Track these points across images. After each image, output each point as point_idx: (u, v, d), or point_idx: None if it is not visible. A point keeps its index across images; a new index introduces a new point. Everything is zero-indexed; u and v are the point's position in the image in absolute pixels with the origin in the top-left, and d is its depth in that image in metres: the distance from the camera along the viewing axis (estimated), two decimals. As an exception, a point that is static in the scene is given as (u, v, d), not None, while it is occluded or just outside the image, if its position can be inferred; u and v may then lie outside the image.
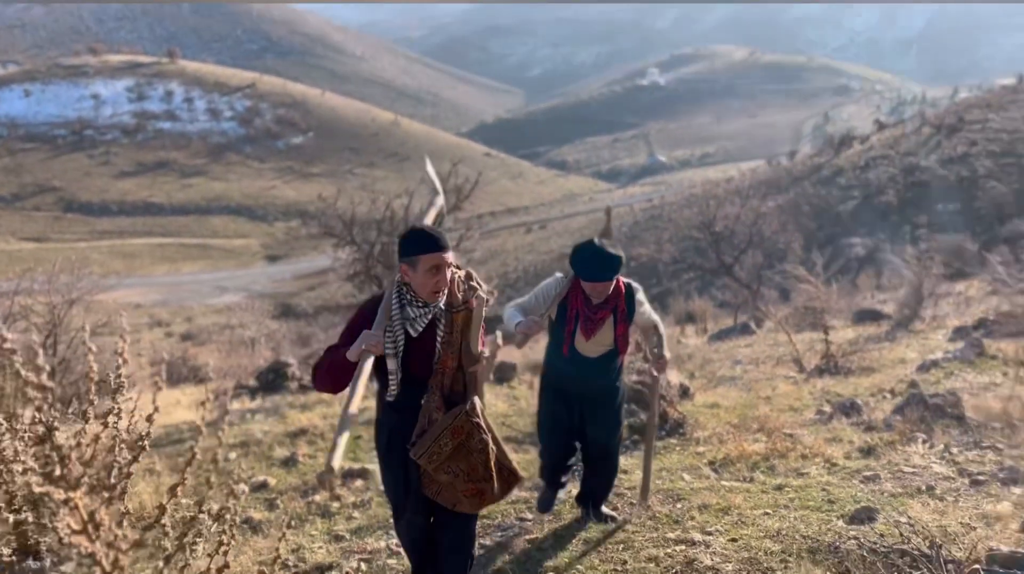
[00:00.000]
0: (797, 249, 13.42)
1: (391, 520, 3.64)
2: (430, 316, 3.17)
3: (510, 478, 3.28)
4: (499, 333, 3.92)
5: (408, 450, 3.15)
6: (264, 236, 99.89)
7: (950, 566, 2.78)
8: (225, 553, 2.83)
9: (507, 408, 7.49)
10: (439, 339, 3.18)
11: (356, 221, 9.47)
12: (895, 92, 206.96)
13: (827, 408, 6.75)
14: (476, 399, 3.22)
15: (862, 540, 3.48)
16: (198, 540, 4.31)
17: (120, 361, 2.24)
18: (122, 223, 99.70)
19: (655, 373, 4.38)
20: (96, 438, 2.12)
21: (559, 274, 4.25)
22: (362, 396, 2.96)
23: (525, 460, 5.79)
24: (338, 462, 2.56)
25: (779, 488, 4.56)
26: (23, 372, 1.85)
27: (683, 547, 3.74)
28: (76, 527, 1.90)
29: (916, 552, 2.89)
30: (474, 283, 3.29)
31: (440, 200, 3.90)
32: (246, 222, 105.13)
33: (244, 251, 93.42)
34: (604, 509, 4.46)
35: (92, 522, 1.96)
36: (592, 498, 4.45)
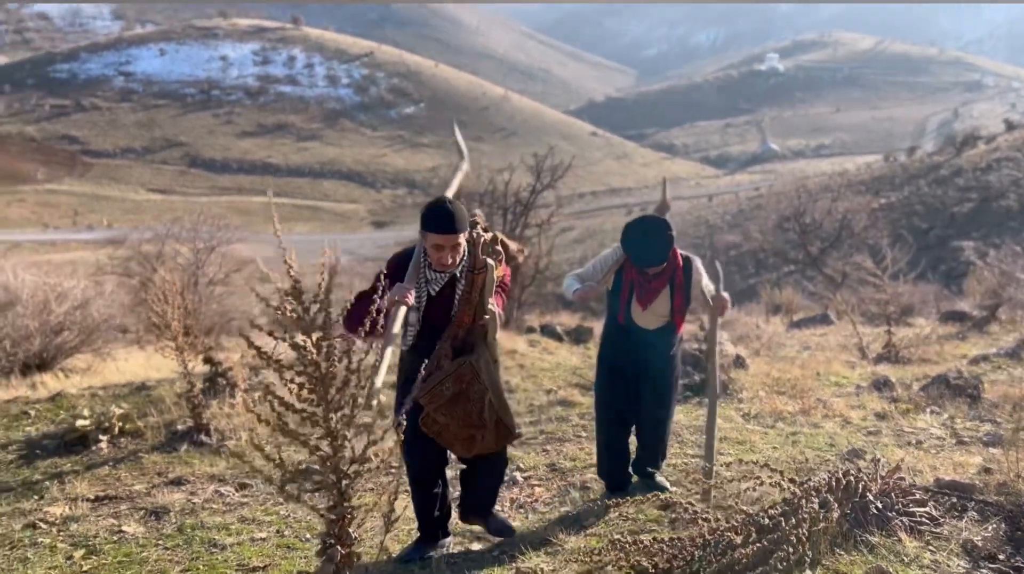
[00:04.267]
0: (886, 246, 13.82)
1: None
2: (446, 278, 3.52)
3: (505, 432, 3.63)
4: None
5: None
6: (372, 202, 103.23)
7: (880, 478, 3.72)
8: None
9: (580, 363, 8.60)
10: (457, 297, 3.53)
11: (461, 194, 10.64)
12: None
13: (865, 385, 7.57)
14: (485, 354, 3.56)
15: (836, 467, 4.44)
16: None
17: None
18: (241, 181, 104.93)
19: (717, 313, 4.30)
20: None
21: (616, 245, 4.40)
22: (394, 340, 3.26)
23: (589, 402, 6.89)
24: (375, 402, 2.91)
25: (793, 434, 5.53)
26: (281, 284, 3.02)
27: (697, 460, 4.78)
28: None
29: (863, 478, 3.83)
30: (497, 247, 3.64)
31: (465, 165, 4.31)
32: (356, 187, 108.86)
33: (352, 215, 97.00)
34: (659, 478, 4.49)
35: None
36: (644, 467, 4.49)
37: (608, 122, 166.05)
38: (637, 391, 4.33)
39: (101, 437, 5.79)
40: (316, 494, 2.89)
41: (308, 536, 3.96)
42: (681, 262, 4.25)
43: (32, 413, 6.51)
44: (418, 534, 3.76)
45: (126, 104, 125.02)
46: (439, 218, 3.41)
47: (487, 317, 3.54)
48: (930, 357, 9.87)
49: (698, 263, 4.35)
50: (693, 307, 4.53)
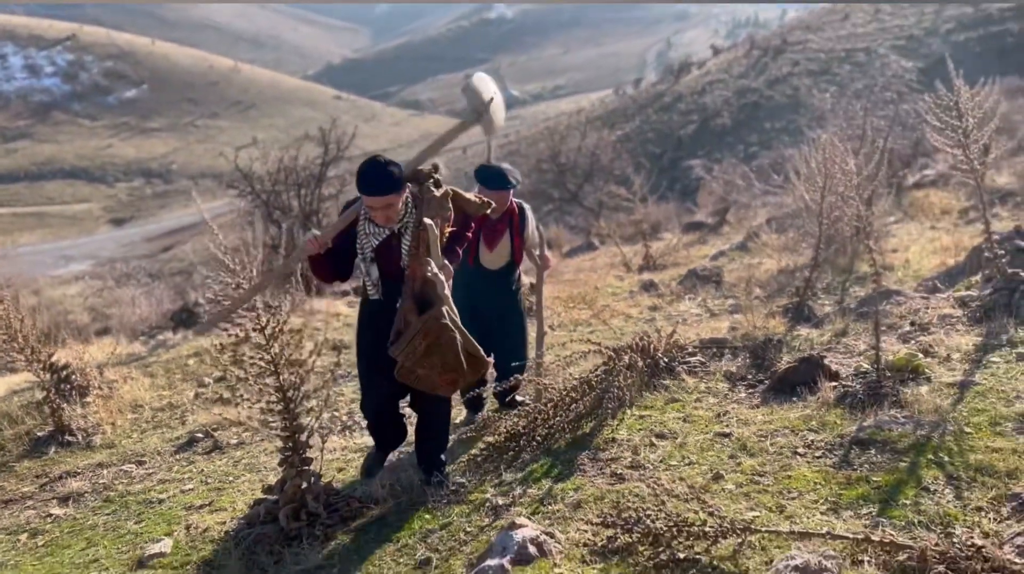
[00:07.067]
0: (632, 174, 15.88)
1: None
2: (386, 234, 3.62)
3: (478, 363, 3.76)
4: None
5: (387, 345, 3.59)
6: (105, 199, 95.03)
7: (663, 342, 5.06)
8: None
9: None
10: (405, 250, 3.63)
11: (252, 174, 10.98)
12: (730, 15, 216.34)
13: (636, 289, 9.16)
14: (445, 298, 3.63)
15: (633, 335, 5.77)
16: (187, 415, 6.22)
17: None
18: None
19: (543, 270, 5.40)
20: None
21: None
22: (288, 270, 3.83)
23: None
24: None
25: (591, 333, 6.85)
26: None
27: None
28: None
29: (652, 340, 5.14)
30: (447, 203, 3.71)
31: (482, 122, 4.01)
32: (84, 185, 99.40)
33: (86, 216, 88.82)
34: (517, 397, 5.05)
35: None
36: (506, 394, 4.98)
37: (350, 84, 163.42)
38: (491, 324, 4.88)
39: (-38, 457, 5.88)
40: (271, 420, 3.62)
41: (231, 478, 4.62)
42: (516, 208, 4.96)
43: None
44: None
45: None
46: (366, 180, 3.49)
47: (428, 274, 3.59)
48: (680, 261, 11.78)
49: (529, 211, 5.08)
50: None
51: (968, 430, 3.53)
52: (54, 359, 6.73)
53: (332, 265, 3.73)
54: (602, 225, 15.83)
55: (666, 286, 8.99)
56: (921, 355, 4.50)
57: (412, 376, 3.59)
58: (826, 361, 4.56)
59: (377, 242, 3.64)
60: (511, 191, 4.80)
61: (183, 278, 32.38)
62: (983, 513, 2.89)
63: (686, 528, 2.80)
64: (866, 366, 4.48)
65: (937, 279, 6.62)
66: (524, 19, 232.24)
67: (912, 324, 5.30)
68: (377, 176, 3.47)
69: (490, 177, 4.76)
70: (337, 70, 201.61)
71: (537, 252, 5.36)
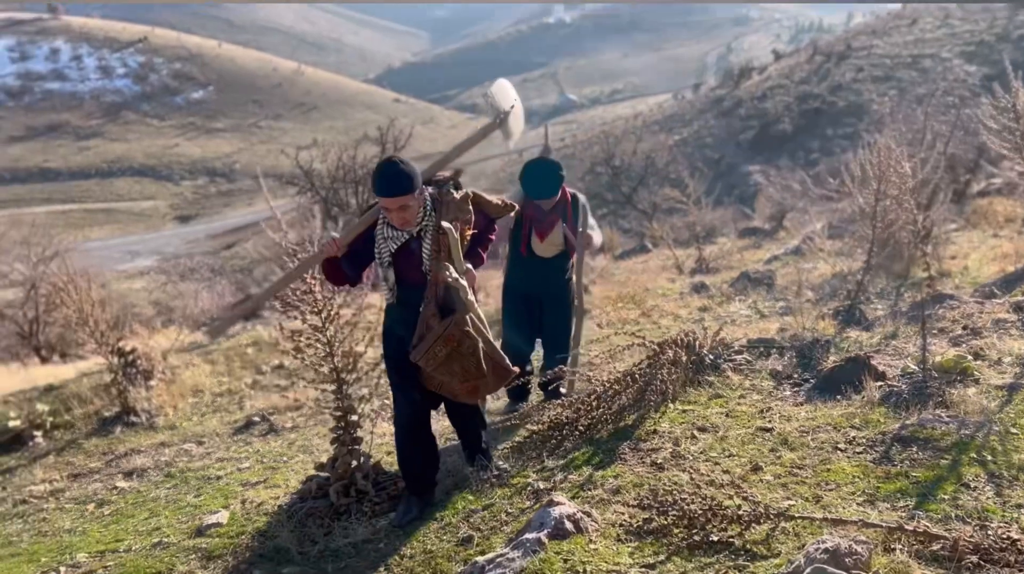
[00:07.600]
0: (687, 177, 15.88)
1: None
2: (405, 238, 3.52)
3: (503, 372, 3.67)
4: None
5: (408, 350, 3.52)
6: (172, 196, 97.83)
7: (709, 339, 5.10)
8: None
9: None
10: (426, 254, 3.52)
11: (312, 172, 11.32)
12: (793, 20, 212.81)
13: (686, 291, 9.17)
14: (469, 304, 3.53)
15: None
16: (244, 400, 6.44)
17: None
18: (18, 191, 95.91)
19: (583, 247, 5.01)
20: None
21: (514, 189, 4.92)
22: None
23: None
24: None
25: (638, 330, 6.88)
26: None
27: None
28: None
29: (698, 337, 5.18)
30: (467, 206, 3.60)
31: (501, 128, 4.06)
32: (151, 183, 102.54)
33: (152, 213, 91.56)
34: (561, 388, 5.03)
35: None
36: (549, 384, 4.98)
37: (409, 87, 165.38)
38: (541, 311, 5.03)
39: (35, 433, 6.22)
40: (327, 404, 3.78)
41: (285, 459, 4.82)
42: (570, 198, 4.95)
43: (-49, 427, 6.74)
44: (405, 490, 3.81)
45: None
46: (379, 181, 3.41)
47: (450, 280, 3.47)
48: (734, 264, 11.72)
49: (583, 199, 5.02)
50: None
51: (1014, 431, 3.51)
52: (121, 344, 7.08)
53: (346, 269, 3.64)
54: (655, 228, 15.78)
55: (717, 288, 8.97)
56: (971, 357, 4.45)
57: (434, 382, 3.59)
58: (873, 361, 4.55)
59: (396, 246, 3.55)
60: (555, 196, 4.80)
61: (244, 274, 33.31)
62: (1023, 510, 2.89)
63: (721, 512, 2.86)
64: (913, 367, 4.46)
65: (995, 285, 6.50)
66: (583, 23, 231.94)
67: (964, 328, 5.23)
68: (391, 177, 3.39)
69: (531, 186, 4.76)
70: (398, 73, 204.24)
71: (580, 231, 5.07)
